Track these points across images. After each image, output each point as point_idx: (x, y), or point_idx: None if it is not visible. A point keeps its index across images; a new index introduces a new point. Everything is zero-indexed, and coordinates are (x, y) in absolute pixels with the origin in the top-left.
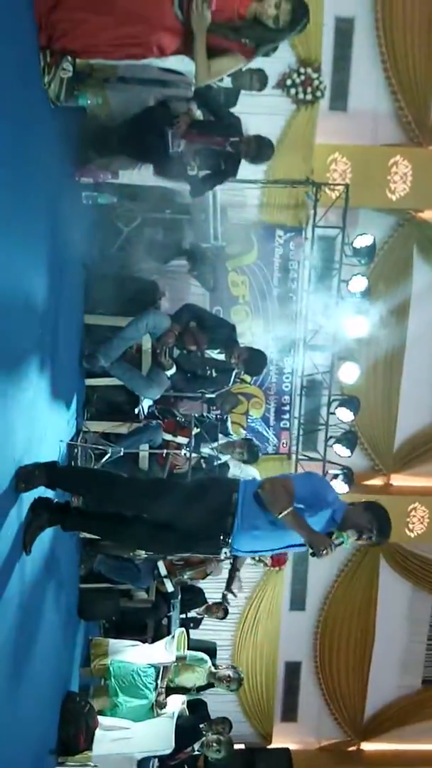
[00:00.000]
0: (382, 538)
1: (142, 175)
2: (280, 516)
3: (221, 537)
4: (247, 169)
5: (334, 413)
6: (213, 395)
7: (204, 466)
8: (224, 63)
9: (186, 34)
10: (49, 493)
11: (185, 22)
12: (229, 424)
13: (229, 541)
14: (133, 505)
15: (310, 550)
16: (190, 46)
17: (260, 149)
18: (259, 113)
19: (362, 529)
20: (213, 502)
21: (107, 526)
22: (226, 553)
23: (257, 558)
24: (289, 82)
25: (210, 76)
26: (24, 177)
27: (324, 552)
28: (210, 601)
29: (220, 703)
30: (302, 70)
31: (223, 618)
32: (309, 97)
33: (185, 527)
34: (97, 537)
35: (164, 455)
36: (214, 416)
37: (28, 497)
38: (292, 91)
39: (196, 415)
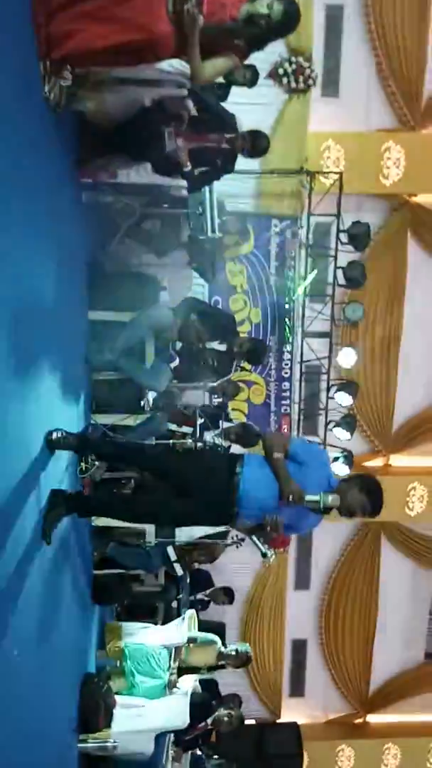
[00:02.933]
0: (374, 515)
1: (140, 174)
2: (273, 457)
3: (228, 506)
4: (242, 160)
5: (333, 398)
6: (215, 384)
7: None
8: (218, 64)
9: (180, 38)
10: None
11: (179, 26)
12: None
13: (235, 501)
14: (157, 462)
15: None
16: (184, 49)
17: (256, 144)
18: (252, 104)
19: (355, 509)
20: (220, 459)
21: (117, 506)
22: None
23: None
24: (280, 71)
25: (205, 77)
26: (26, 181)
27: (290, 499)
28: (217, 585)
29: (230, 681)
30: (293, 59)
31: (230, 603)
32: (301, 86)
33: (195, 486)
34: (108, 518)
35: (170, 445)
36: (215, 404)
37: (45, 488)
38: (284, 80)
39: (199, 404)
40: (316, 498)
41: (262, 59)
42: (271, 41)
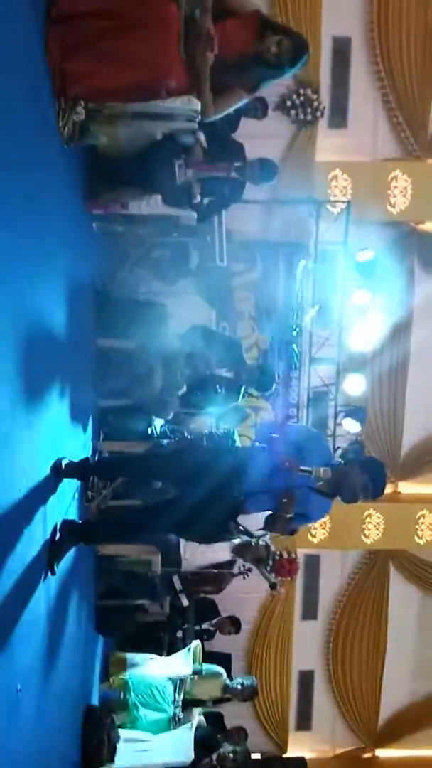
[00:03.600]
0: (377, 497)
1: (150, 205)
2: None
3: (236, 491)
4: (250, 189)
5: (340, 424)
6: (222, 411)
7: None
8: (228, 100)
9: (191, 75)
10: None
11: (190, 64)
12: (237, 437)
13: (242, 495)
14: (163, 469)
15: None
16: (195, 85)
17: (264, 171)
18: (261, 135)
19: (357, 491)
20: (226, 456)
21: (124, 526)
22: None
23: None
24: (288, 103)
25: (215, 113)
26: (38, 211)
27: (286, 465)
28: (223, 614)
29: (235, 713)
30: (301, 91)
31: (236, 633)
32: (309, 117)
33: (200, 477)
34: (114, 544)
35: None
36: (222, 430)
37: (51, 516)
38: (292, 112)
39: (206, 431)
40: (309, 468)
41: (271, 92)
42: (281, 76)
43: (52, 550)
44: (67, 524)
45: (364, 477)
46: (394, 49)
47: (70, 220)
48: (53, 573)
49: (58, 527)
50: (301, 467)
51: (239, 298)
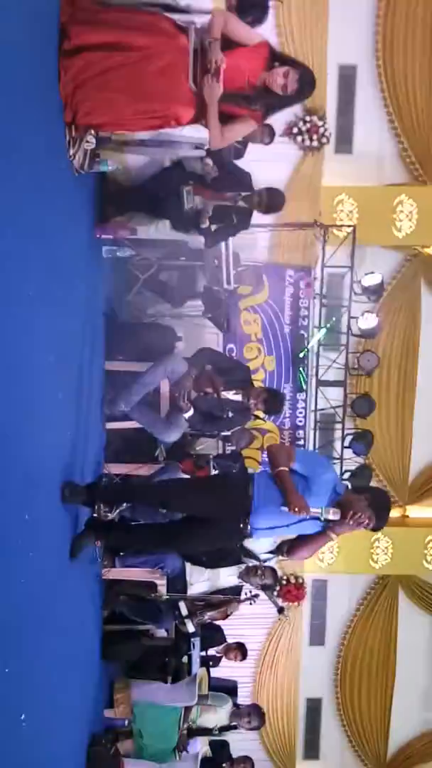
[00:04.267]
0: (379, 528)
1: (159, 230)
2: (276, 470)
3: (243, 517)
4: (258, 213)
5: (348, 447)
6: (229, 433)
7: None
8: (236, 129)
9: (200, 104)
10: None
11: (199, 94)
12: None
13: (248, 520)
14: (168, 498)
15: (286, 507)
16: (203, 115)
17: (271, 201)
18: (267, 160)
19: (361, 521)
20: (233, 487)
21: (143, 533)
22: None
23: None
24: (295, 130)
25: (223, 141)
26: (49, 236)
27: (296, 510)
28: (229, 639)
29: (241, 741)
30: (308, 118)
31: (243, 659)
32: (315, 143)
33: (210, 510)
34: (135, 547)
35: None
36: (229, 452)
37: (57, 540)
38: (299, 138)
39: (212, 453)
40: (318, 510)
41: (278, 118)
42: (287, 107)
43: (75, 541)
44: (91, 521)
45: (369, 511)
46: (399, 76)
47: (79, 244)
48: (73, 559)
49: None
50: (312, 510)
51: (246, 320)
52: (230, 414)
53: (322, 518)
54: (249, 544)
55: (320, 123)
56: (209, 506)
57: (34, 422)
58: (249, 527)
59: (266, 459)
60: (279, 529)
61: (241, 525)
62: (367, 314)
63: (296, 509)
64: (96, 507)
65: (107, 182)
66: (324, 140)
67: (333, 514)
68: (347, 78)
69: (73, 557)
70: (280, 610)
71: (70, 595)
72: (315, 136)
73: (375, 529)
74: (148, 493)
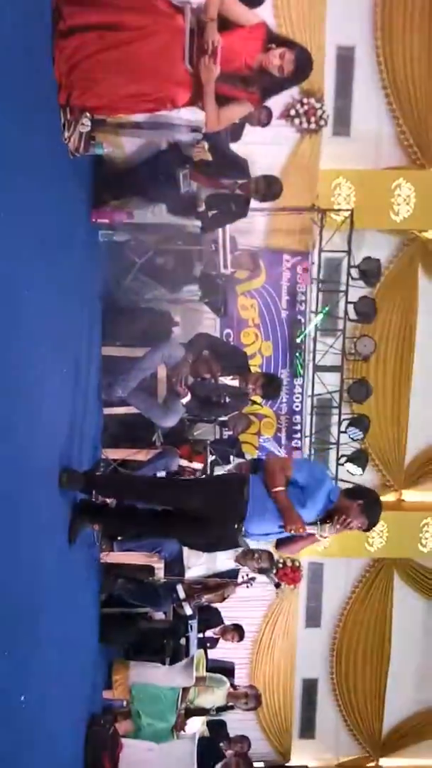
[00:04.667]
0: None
1: (155, 214)
2: (273, 491)
3: (237, 521)
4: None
5: (344, 432)
6: (226, 418)
7: None
8: (233, 111)
9: (196, 86)
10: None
11: (195, 76)
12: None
13: (243, 524)
14: (165, 497)
15: (282, 524)
16: (200, 97)
17: (269, 189)
18: (264, 143)
19: (351, 527)
20: (230, 490)
21: (140, 521)
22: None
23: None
24: (292, 112)
25: (219, 124)
26: (45, 220)
27: (291, 529)
28: (226, 622)
29: (238, 721)
30: (305, 100)
31: (240, 641)
32: (312, 126)
33: (206, 512)
34: (129, 533)
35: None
36: (226, 437)
37: (55, 523)
38: (296, 120)
39: (210, 438)
40: (314, 530)
41: (275, 101)
42: (285, 89)
43: (71, 525)
44: (84, 503)
45: (362, 517)
46: (398, 58)
47: (75, 229)
48: (71, 544)
49: (77, 506)
50: (307, 525)
51: (243, 305)
52: (227, 399)
53: (318, 535)
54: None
55: (318, 105)
56: (205, 509)
57: (31, 408)
58: (243, 531)
59: (263, 445)
60: (273, 535)
61: (236, 528)
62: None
63: (292, 530)
64: (93, 495)
65: (103, 165)
66: (322, 123)
67: (328, 531)
68: (345, 59)
69: (71, 542)
70: (277, 585)
71: (68, 579)
72: (312, 119)
73: (367, 530)
74: (145, 493)
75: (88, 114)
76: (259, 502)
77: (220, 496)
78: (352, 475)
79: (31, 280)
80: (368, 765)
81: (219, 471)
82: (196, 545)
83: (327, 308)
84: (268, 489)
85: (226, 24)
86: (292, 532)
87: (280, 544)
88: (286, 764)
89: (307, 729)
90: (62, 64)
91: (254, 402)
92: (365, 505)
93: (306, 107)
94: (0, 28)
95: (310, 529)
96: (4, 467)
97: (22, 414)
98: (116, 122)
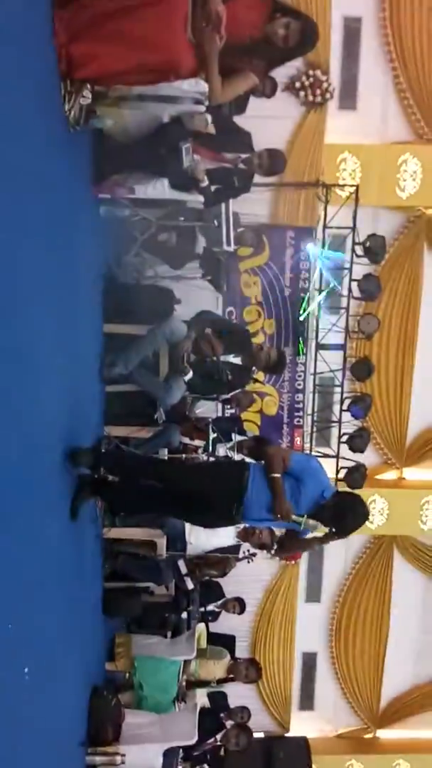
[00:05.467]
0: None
1: (157, 189)
2: (270, 476)
3: (235, 506)
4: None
5: (347, 410)
6: (228, 396)
7: None
8: (237, 83)
9: (199, 58)
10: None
11: (198, 47)
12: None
13: (242, 510)
14: (166, 476)
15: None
16: (203, 68)
17: (272, 162)
18: (269, 117)
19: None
20: (229, 476)
21: (140, 497)
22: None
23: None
24: (297, 85)
25: (224, 96)
26: (44, 195)
27: (278, 517)
28: (228, 596)
29: (239, 692)
30: (311, 72)
31: (241, 613)
32: (318, 99)
33: (206, 496)
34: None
35: (182, 458)
36: (228, 415)
37: (60, 500)
38: (301, 93)
39: (211, 416)
40: (299, 520)
41: (280, 73)
42: (289, 60)
43: (73, 500)
44: (85, 478)
45: (350, 521)
46: (405, 30)
47: (76, 203)
48: (74, 520)
49: (77, 481)
50: (294, 518)
51: (246, 282)
52: (229, 377)
53: (301, 527)
54: None
55: (323, 78)
56: (204, 489)
57: (34, 385)
58: (240, 515)
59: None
60: (267, 522)
61: (234, 511)
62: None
63: (280, 516)
64: (98, 471)
65: (104, 139)
66: (327, 95)
67: (313, 525)
68: (352, 31)
69: (73, 518)
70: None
71: (71, 553)
72: (318, 92)
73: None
74: (147, 471)
75: (88, 86)
76: (258, 484)
77: (219, 478)
78: (354, 452)
79: (29, 256)
80: (366, 736)
81: (220, 448)
82: (197, 523)
83: (330, 286)
84: (267, 474)
85: None
86: (279, 519)
87: (281, 550)
88: (286, 735)
89: (307, 701)
90: (62, 34)
91: (256, 380)
92: (355, 513)
93: (311, 80)
94: None
95: (295, 517)
96: (5, 444)
97: (23, 391)
98: (118, 95)
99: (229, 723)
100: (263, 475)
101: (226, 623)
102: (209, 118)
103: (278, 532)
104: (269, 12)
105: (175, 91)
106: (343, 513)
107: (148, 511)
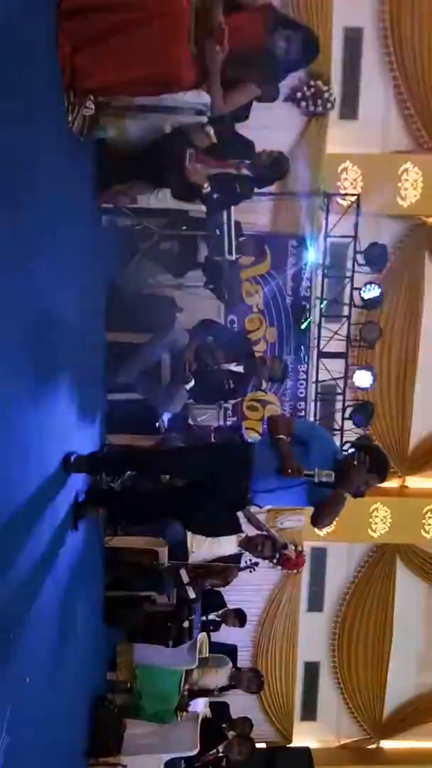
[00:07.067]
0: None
1: (159, 199)
2: (275, 437)
3: (244, 480)
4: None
5: (349, 418)
6: (229, 404)
7: None
8: (239, 94)
9: (201, 69)
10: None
11: (200, 59)
12: (244, 431)
13: (249, 484)
14: (170, 464)
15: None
16: (205, 79)
17: (276, 167)
18: (271, 126)
19: (359, 485)
20: (235, 455)
21: (145, 502)
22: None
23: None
24: (299, 95)
25: (226, 107)
26: (47, 205)
27: (289, 473)
28: (229, 605)
29: (241, 703)
30: (312, 83)
31: (242, 626)
32: (319, 109)
33: (213, 474)
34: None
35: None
36: (230, 423)
37: (60, 507)
38: (303, 103)
39: (213, 424)
40: (312, 472)
41: (282, 82)
42: (291, 71)
43: (76, 510)
44: (91, 489)
45: (367, 475)
46: (406, 40)
47: (79, 213)
48: (75, 530)
49: (84, 491)
50: (306, 472)
51: (248, 291)
52: (231, 385)
53: (316, 479)
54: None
55: (325, 88)
56: (210, 468)
57: (34, 393)
58: (250, 490)
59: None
60: (278, 491)
61: (242, 487)
62: (369, 285)
63: (290, 471)
64: (98, 477)
65: (107, 149)
66: (329, 105)
67: (326, 476)
68: (353, 41)
69: (74, 528)
70: (284, 546)
71: (73, 562)
72: (319, 102)
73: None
74: (149, 460)
75: (91, 97)
76: (263, 456)
77: (224, 457)
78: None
79: (33, 264)
80: (369, 746)
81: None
82: (201, 527)
83: (330, 297)
84: (272, 438)
85: (231, 5)
86: (289, 475)
87: (315, 518)
88: (288, 746)
89: (309, 711)
90: (66, 46)
91: (258, 388)
92: (370, 464)
93: (313, 90)
94: (4, 8)
95: (307, 473)
96: (6, 454)
97: (24, 399)
98: (121, 105)
99: (230, 734)
100: (268, 446)
101: (228, 633)
102: (211, 130)
103: (278, 533)
104: (271, 24)
105: (178, 102)
106: (373, 451)
107: (151, 516)
